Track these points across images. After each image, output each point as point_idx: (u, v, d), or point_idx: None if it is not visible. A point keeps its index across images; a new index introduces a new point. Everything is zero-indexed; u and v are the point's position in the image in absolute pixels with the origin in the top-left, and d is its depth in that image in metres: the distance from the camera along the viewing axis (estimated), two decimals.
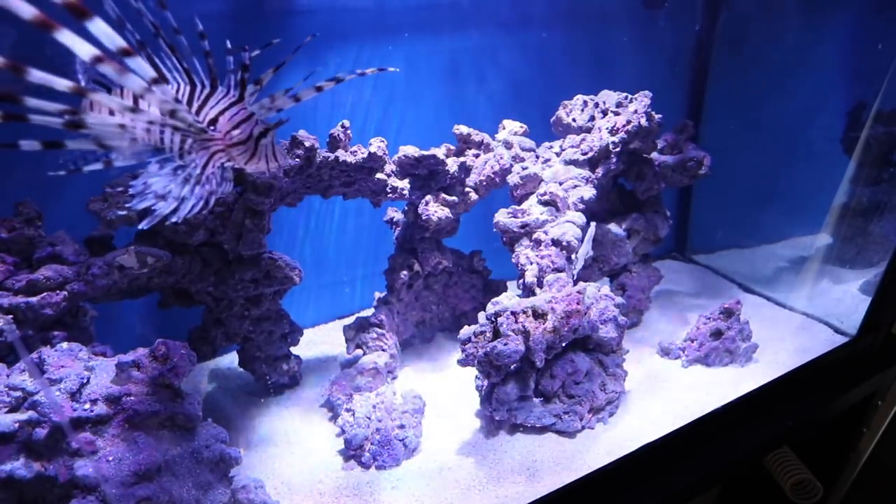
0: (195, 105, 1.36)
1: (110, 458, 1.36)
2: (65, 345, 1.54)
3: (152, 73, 1.13)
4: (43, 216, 1.75)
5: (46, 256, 1.71)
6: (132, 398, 1.45)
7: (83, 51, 0.98)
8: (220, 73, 1.41)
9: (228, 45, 1.39)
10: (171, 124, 1.26)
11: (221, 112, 1.35)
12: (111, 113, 1.31)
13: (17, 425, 1.34)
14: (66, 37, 0.95)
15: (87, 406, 1.40)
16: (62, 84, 1.01)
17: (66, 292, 1.69)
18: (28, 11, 0.87)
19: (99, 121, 1.18)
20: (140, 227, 1.32)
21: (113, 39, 1.00)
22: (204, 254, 2.12)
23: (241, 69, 1.37)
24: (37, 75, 0.97)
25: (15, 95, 1.02)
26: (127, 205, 1.31)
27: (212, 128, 1.34)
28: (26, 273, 1.66)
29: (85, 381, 1.44)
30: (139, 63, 1.09)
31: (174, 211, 1.32)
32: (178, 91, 1.37)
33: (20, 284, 1.63)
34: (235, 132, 1.34)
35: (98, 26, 0.97)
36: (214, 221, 2.04)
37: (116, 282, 1.83)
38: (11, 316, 1.60)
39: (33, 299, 1.63)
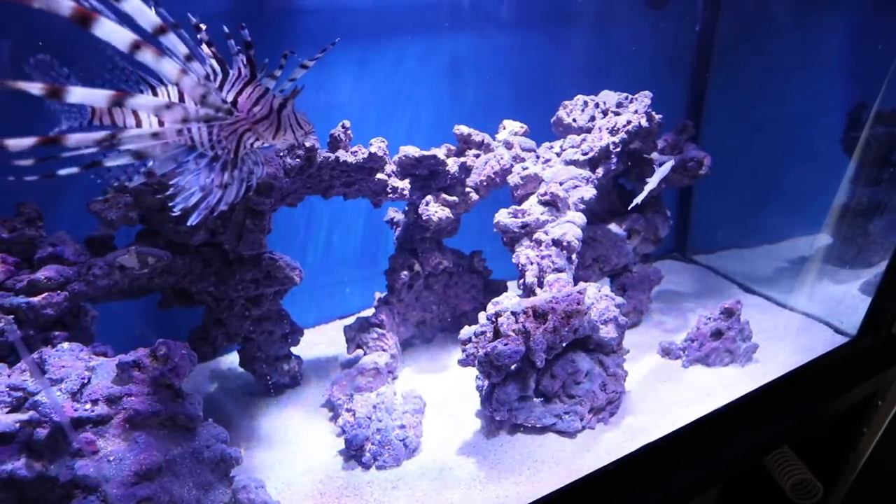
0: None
1: (111, 458, 1.36)
2: (66, 345, 1.54)
3: (185, 51, 1.14)
4: (43, 216, 1.76)
5: (47, 257, 1.71)
6: (133, 398, 1.45)
7: (122, 39, 0.99)
8: (227, 58, 1.41)
9: (226, 29, 1.39)
10: (203, 114, 1.26)
11: (238, 93, 1.37)
12: (138, 123, 1.35)
13: (18, 425, 1.34)
14: (105, 27, 0.95)
15: (87, 406, 1.40)
16: (101, 95, 1.02)
17: (67, 292, 1.70)
18: (66, 6, 0.88)
19: (134, 135, 1.20)
20: (190, 222, 1.33)
21: (147, 17, 1.02)
22: (204, 254, 2.13)
23: (245, 48, 1.38)
24: (77, 93, 0.99)
25: (57, 138, 1.04)
26: (174, 206, 1.34)
27: (237, 111, 1.36)
28: (27, 273, 1.66)
29: (86, 381, 1.44)
30: (172, 41, 1.10)
31: (220, 200, 1.35)
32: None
33: (21, 284, 1.63)
34: (256, 108, 1.37)
35: (132, 4, 0.99)
36: (215, 222, 2.04)
37: (117, 282, 1.83)
38: (13, 316, 1.60)
39: (34, 299, 1.63)
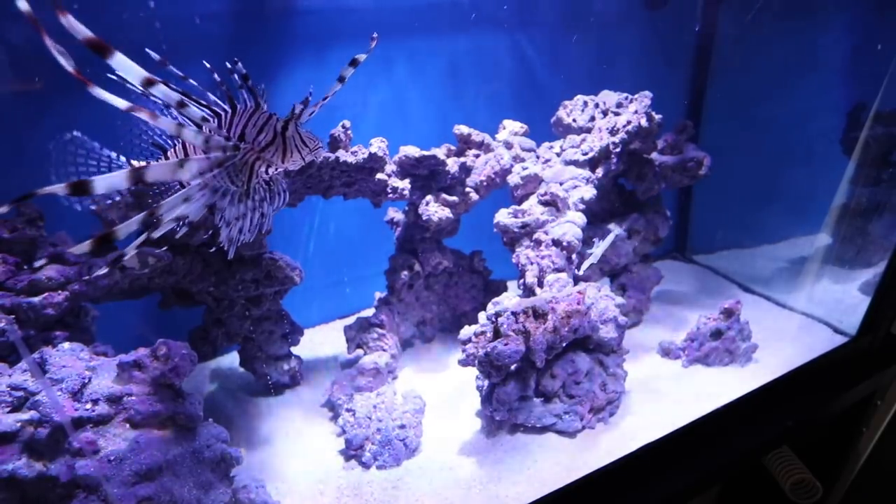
0: (223, 131, 1.41)
1: (111, 458, 1.37)
2: (66, 345, 1.54)
3: (177, 97, 1.17)
4: (44, 216, 1.76)
5: (48, 256, 1.71)
6: (133, 398, 1.45)
7: (136, 75, 1.02)
8: (235, 94, 1.44)
9: (228, 65, 1.42)
10: (216, 160, 1.29)
11: (245, 125, 1.39)
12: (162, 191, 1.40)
13: (18, 425, 1.34)
14: (120, 61, 0.98)
15: (88, 406, 1.40)
16: (121, 177, 1.06)
17: (67, 292, 1.70)
18: (83, 33, 0.91)
19: (167, 206, 1.23)
20: (229, 257, 1.40)
21: (135, 71, 1.03)
22: (205, 254, 2.13)
23: (242, 80, 1.40)
24: (100, 184, 1.03)
25: (108, 235, 1.09)
26: (229, 251, 1.40)
27: (243, 143, 1.38)
28: (28, 273, 1.66)
29: (86, 380, 1.44)
30: (163, 91, 1.13)
31: (241, 230, 1.40)
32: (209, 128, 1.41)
33: (22, 284, 1.63)
34: (261, 136, 1.38)
35: (118, 60, 1.00)
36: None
37: (118, 282, 1.83)
38: (13, 316, 1.60)
39: (35, 299, 1.63)
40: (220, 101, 1.42)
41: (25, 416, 1.35)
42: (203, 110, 1.37)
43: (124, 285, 1.90)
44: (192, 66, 1.41)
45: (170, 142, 1.50)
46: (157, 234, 1.28)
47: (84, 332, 1.83)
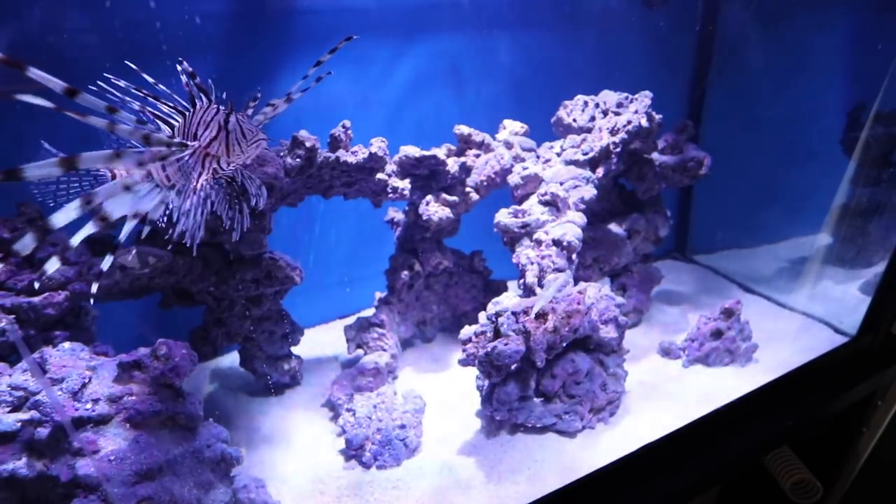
0: (186, 132, 1.40)
1: (112, 458, 1.37)
2: (66, 344, 1.55)
3: (103, 104, 1.16)
4: (45, 216, 1.75)
5: (48, 257, 1.71)
6: (133, 398, 1.45)
7: (55, 85, 1.02)
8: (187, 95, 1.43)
9: (179, 67, 1.41)
10: (158, 152, 1.28)
11: (198, 123, 1.39)
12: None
13: (19, 425, 1.34)
14: (37, 74, 0.98)
15: (88, 406, 1.40)
16: (51, 164, 1.05)
17: (67, 292, 1.70)
18: None
19: (107, 192, 1.21)
20: (194, 253, 1.39)
21: (53, 82, 1.02)
22: (205, 254, 2.13)
23: (190, 77, 1.40)
24: (31, 172, 1.01)
25: (44, 227, 1.08)
26: (192, 247, 1.39)
27: (195, 141, 1.39)
28: (28, 273, 1.66)
29: (87, 380, 1.44)
30: (88, 100, 1.11)
31: (195, 224, 1.39)
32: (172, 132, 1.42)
33: (22, 284, 1.63)
34: (206, 132, 1.38)
35: (35, 73, 0.99)
36: (215, 221, 2.04)
37: (118, 282, 1.83)
38: (14, 316, 1.60)
39: (35, 299, 1.64)
40: (185, 102, 1.42)
41: (26, 415, 1.35)
42: (170, 112, 1.39)
43: (125, 285, 1.90)
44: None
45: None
46: (123, 235, 1.26)
47: (84, 332, 1.83)
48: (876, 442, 2.42)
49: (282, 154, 2.10)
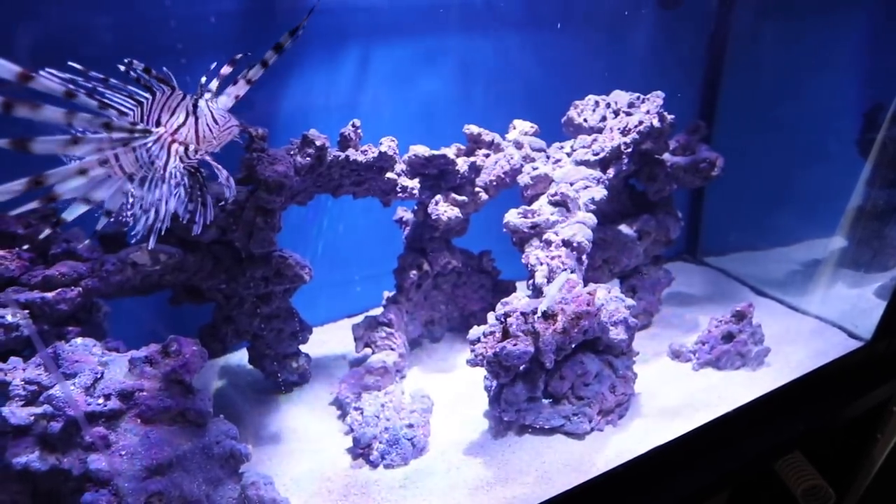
0: (146, 116, 1.38)
1: (123, 453, 1.38)
2: (79, 340, 1.56)
3: (62, 88, 1.12)
4: (58, 212, 1.78)
5: (61, 253, 1.73)
6: (144, 393, 1.46)
7: (6, 70, 0.98)
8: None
9: (122, 67, 1.37)
10: (118, 139, 1.27)
11: (161, 108, 1.37)
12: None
13: (32, 419, 1.36)
14: None
15: (100, 401, 1.42)
16: (2, 143, 1.03)
17: (80, 288, 1.71)
18: None
19: (59, 176, 1.19)
20: (150, 247, 1.35)
21: (8, 69, 0.99)
22: (215, 251, 2.14)
23: (145, 72, 1.37)
24: None
25: None
26: (136, 234, 1.36)
27: (158, 127, 1.36)
28: (42, 269, 1.68)
29: (99, 376, 1.45)
30: (43, 84, 1.07)
31: (163, 216, 1.35)
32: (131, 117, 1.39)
33: (36, 280, 1.65)
34: (173, 118, 1.36)
35: None
36: (226, 220, 2.05)
37: (129, 278, 1.85)
38: (27, 311, 1.62)
39: (49, 295, 1.65)
40: (139, 91, 1.38)
41: (39, 409, 1.37)
42: (124, 100, 1.35)
43: (136, 282, 1.92)
44: (207, 63, 1.41)
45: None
46: (69, 216, 1.25)
47: (96, 328, 1.85)
48: (890, 449, 2.38)
49: (292, 153, 2.11)
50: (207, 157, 1.45)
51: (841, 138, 2.95)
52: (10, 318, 1.56)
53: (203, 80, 1.37)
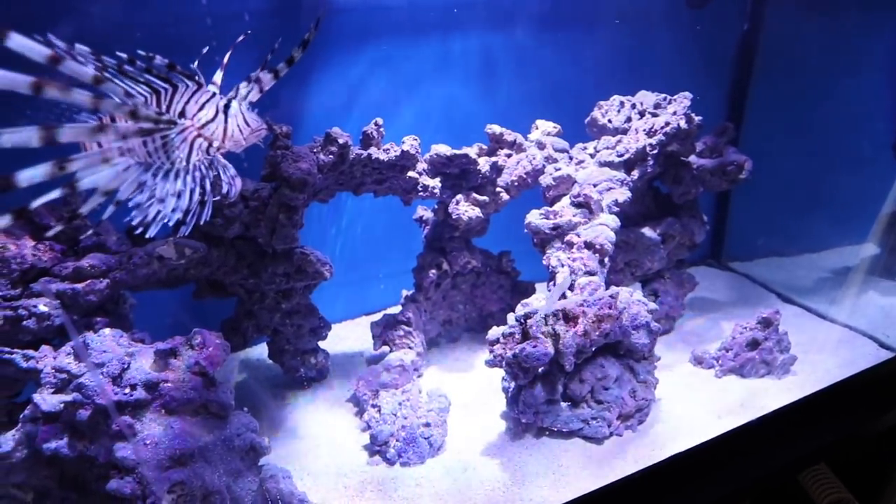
0: (164, 106, 1.38)
1: (147, 442, 1.41)
2: (107, 331, 1.60)
3: (92, 73, 1.11)
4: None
5: (91, 245, 1.77)
6: (169, 385, 1.49)
7: (21, 82, 0.96)
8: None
9: (140, 57, 1.36)
10: (141, 128, 1.26)
11: (187, 101, 1.37)
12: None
13: (62, 406, 1.39)
14: (18, 42, 0.93)
15: (127, 390, 1.45)
16: (30, 133, 1.00)
17: (108, 280, 1.75)
18: None
19: (83, 163, 1.18)
20: (148, 234, 1.33)
21: (36, 49, 0.98)
22: (238, 247, 2.17)
23: (169, 67, 1.38)
24: (3, 139, 0.96)
25: (7, 180, 1.03)
26: (132, 220, 1.33)
27: (183, 119, 1.37)
28: (73, 261, 1.72)
29: (126, 366, 1.48)
30: (71, 68, 1.06)
31: (175, 209, 1.34)
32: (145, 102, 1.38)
33: (67, 271, 1.70)
34: (202, 113, 1.37)
35: (17, 41, 0.95)
36: (249, 216, 2.08)
37: (156, 272, 1.89)
38: (58, 301, 1.67)
39: (79, 286, 1.70)
40: (156, 80, 1.38)
41: (68, 397, 1.40)
42: (139, 87, 1.34)
43: (162, 275, 1.95)
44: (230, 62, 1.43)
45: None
46: (86, 209, 1.24)
47: (122, 320, 1.89)
48: None
49: (315, 150, 2.13)
50: (219, 154, 1.46)
51: (875, 142, 2.87)
52: (42, 308, 1.61)
53: (243, 84, 1.38)
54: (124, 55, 1.33)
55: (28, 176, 1.06)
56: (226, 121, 1.38)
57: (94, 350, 1.49)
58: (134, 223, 1.33)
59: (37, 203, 1.16)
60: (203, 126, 1.37)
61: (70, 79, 1.08)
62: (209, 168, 1.44)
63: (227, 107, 1.37)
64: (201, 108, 1.37)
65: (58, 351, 1.53)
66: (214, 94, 1.39)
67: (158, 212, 1.34)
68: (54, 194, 1.17)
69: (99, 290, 1.72)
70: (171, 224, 1.36)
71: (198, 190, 1.39)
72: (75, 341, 1.51)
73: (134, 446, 1.38)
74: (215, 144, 1.41)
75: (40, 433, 1.40)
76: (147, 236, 1.34)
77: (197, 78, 1.41)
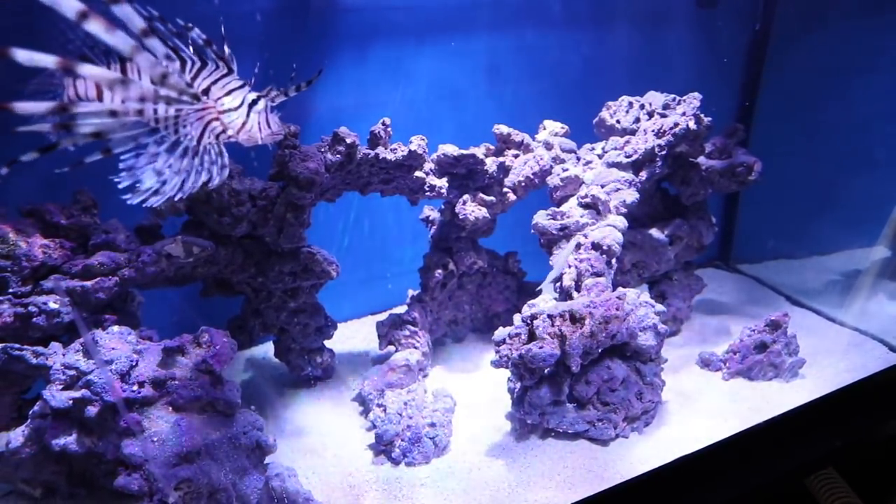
0: (187, 77, 1.34)
1: (154, 439, 1.42)
2: (116, 328, 1.61)
3: (141, 24, 1.09)
4: (98, 204, 1.83)
5: (101, 243, 1.79)
6: (176, 382, 1.50)
7: (69, 6, 0.95)
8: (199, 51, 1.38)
9: (176, 27, 1.34)
10: (164, 94, 1.23)
11: (214, 82, 1.35)
12: (99, 97, 1.29)
13: (71, 402, 1.41)
14: None
15: (135, 388, 1.46)
16: (48, 60, 0.97)
17: (117, 278, 1.77)
18: None
19: (89, 110, 1.16)
20: (131, 201, 1.28)
21: None
22: (246, 246, 2.18)
23: (205, 44, 1.35)
24: (21, 55, 0.93)
25: (4, 106, 1.01)
26: (119, 181, 1.29)
27: (204, 97, 1.34)
28: (82, 258, 1.74)
29: (134, 363, 1.50)
30: (126, 11, 1.05)
31: (179, 188, 1.31)
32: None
33: (77, 269, 1.71)
34: (227, 98, 1.35)
35: None
36: (257, 215, 2.09)
37: (164, 270, 1.90)
38: (68, 298, 1.68)
39: (88, 283, 1.71)
40: (188, 52, 1.35)
41: (77, 394, 1.42)
42: (176, 52, 1.30)
43: (170, 273, 1.97)
44: (239, 61, 1.43)
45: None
46: (67, 144, 1.20)
47: (130, 317, 1.90)
48: None
49: (323, 150, 2.13)
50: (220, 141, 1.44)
51: (886, 143, 2.83)
52: (52, 305, 1.62)
53: (275, 91, 1.37)
54: (156, 12, 1.30)
55: (27, 107, 1.04)
56: (248, 114, 1.36)
57: (103, 347, 1.50)
58: (121, 185, 1.28)
59: (24, 128, 1.12)
60: (224, 111, 1.35)
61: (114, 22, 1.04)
62: (219, 155, 1.41)
63: (254, 102, 1.36)
64: (227, 94, 1.35)
65: (67, 348, 1.54)
66: (244, 85, 1.38)
67: (154, 184, 1.30)
68: (45, 126, 1.13)
69: (108, 287, 1.74)
70: (161, 200, 1.31)
71: (204, 175, 1.36)
72: (85, 338, 1.52)
73: (141, 443, 1.39)
74: (229, 133, 1.39)
75: (49, 429, 1.42)
76: (130, 202, 1.29)
77: (230, 63, 1.39)
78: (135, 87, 1.19)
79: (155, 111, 1.27)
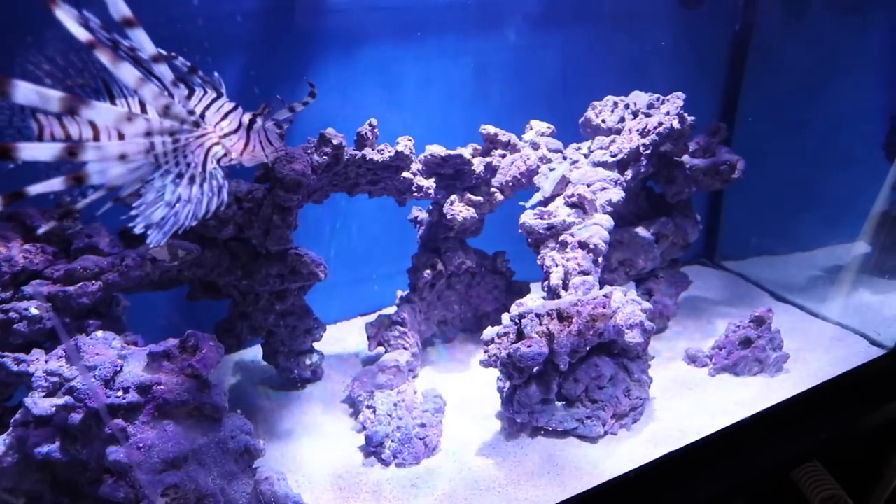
0: (190, 105, 1.35)
1: (140, 446, 1.40)
2: (99, 333, 1.59)
3: (154, 49, 1.08)
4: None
5: (83, 247, 1.76)
6: (162, 387, 1.48)
7: (79, 33, 0.95)
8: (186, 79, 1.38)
9: (160, 54, 1.30)
10: (168, 126, 1.24)
11: (206, 107, 1.36)
12: (96, 137, 1.29)
13: (53, 409, 1.38)
14: (64, 17, 0.93)
15: (119, 394, 1.44)
16: (55, 97, 0.95)
17: (101, 282, 1.74)
18: None
19: (98, 155, 1.14)
20: (152, 241, 1.30)
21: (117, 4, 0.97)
22: (232, 248, 2.16)
23: (191, 70, 1.35)
24: (24, 90, 0.90)
25: (10, 146, 0.97)
26: (135, 225, 1.30)
27: (210, 127, 1.36)
28: (64, 263, 1.71)
29: (118, 369, 1.48)
30: (140, 39, 1.05)
31: (189, 215, 1.32)
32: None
33: (59, 273, 1.68)
34: (224, 122, 1.36)
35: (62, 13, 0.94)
36: (243, 217, 2.07)
37: (149, 273, 1.88)
38: (50, 304, 1.65)
39: (70, 288, 1.68)
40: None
41: (60, 401, 1.39)
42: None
43: (155, 277, 1.95)
44: (226, 62, 1.42)
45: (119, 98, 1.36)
46: (82, 204, 1.20)
47: (115, 322, 1.87)
48: None
49: (309, 151, 2.12)
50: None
51: (866, 141, 2.89)
52: (34, 311, 1.59)
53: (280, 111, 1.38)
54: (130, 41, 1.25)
55: (32, 153, 1.00)
56: (247, 135, 1.37)
57: (87, 353, 1.48)
58: (137, 229, 1.29)
59: (37, 189, 1.09)
60: (225, 136, 1.36)
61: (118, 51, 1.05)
62: (225, 178, 1.42)
63: (252, 122, 1.37)
64: (224, 118, 1.36)
65: (49, 354, 1.52)
66: (237, 107, 1.39)
67: (166, 215, 1.30)
68: (57, 182, 1.09)
69: (91, 292, 1.71)
70: (178, 231, 1.34)
71: (216, 200, 1.37)
72: (66, 344, 1.49)
73: (127, 450, 1.37)
74: (232, 156, 1.40)
75: (32, 437, 1.39)
76: (149, 242, 1.31)
77: (218, 86, 1.40)
78: (141, 122, 1.18)
79: (163, 143, 1.27)
